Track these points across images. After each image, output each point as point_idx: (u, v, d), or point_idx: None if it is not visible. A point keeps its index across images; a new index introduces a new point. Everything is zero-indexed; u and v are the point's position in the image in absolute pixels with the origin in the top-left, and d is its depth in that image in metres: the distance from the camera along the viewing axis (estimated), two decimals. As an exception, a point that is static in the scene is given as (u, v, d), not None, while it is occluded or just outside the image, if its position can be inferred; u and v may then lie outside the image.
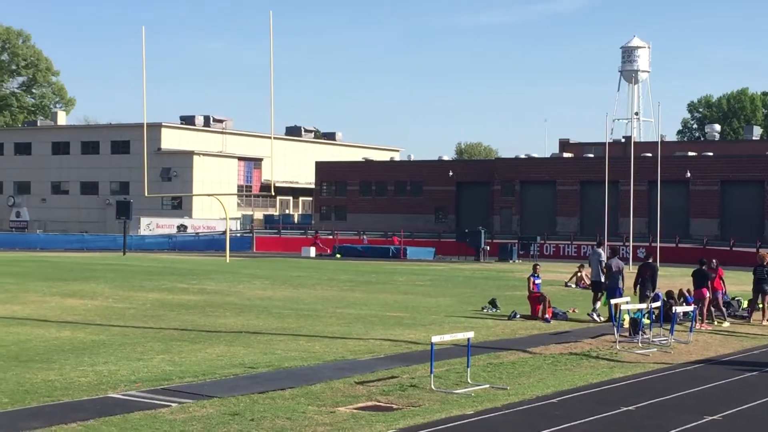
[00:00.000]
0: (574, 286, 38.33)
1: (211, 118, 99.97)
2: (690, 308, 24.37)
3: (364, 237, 71.78)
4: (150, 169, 65.93)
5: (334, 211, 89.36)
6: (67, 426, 12.30)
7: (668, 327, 22.48)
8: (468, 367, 16.42)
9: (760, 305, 27.35)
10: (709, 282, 26.24)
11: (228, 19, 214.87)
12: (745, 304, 28.74)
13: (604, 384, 16.43)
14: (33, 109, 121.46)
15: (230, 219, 67.23)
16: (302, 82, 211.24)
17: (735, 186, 73.46)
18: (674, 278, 38.03)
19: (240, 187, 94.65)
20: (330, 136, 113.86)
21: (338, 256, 65.20)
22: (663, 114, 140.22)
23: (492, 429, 12.90)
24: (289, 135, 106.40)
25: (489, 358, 18.85)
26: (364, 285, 38.14)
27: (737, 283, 35.32)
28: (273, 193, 55.21)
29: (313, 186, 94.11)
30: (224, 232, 62.96)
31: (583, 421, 13.28)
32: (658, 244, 53.72)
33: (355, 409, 13.86)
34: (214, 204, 79.89)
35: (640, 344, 21.27)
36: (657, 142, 61.84)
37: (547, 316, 25.89)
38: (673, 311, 22.80)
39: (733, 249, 60.70)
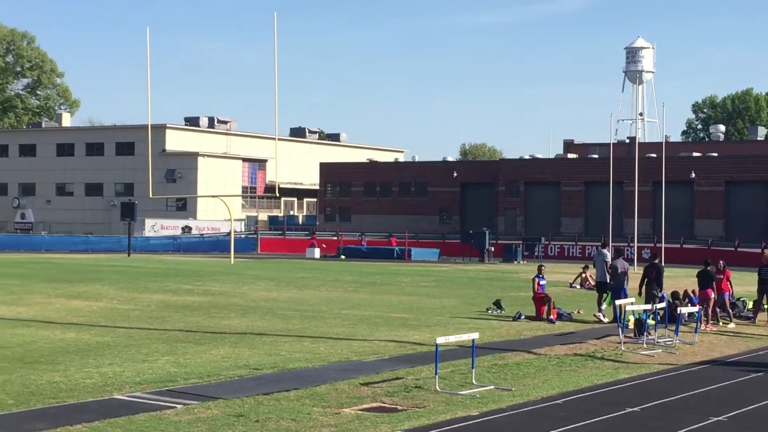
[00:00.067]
0: (578, 287, 38.30)
1: (216, 120, 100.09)
2: (695, 309, 24.35)
3: (363, 239, 71.74)
4: (154, 170, 65.86)
5: (339, 212, 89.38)
6: (72, 427, 12.31)
7: (673, 328, 22.46)
8: (473, 368, 16.42)
9: (765, 306, 27.32)
10: (715, 283, 26.21)
11: (228, 19, 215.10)
12: (750, 305, 28.69)
13: (609, 385, 16.42)
14: (38, 110, 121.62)
15: (235, 220, 67.33)
16: (305, 82, 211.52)
17: (740, 186, 73.34)
18: (679, 279, 37.96)
19: (244, 189, 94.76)
20: (334, 137, 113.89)
21: (343, 257, 65.23)
22: (667, 114, 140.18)
23: (497, 430, 12.90)
24: (293, 136, 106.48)
25: (494, 359, 18.84)
26: (369, 286, 38.14)
27: (742, 284, 35.25)
28: (277, 195, 55.10)
29: (317, 187, 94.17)
30: (229, 234, 63.02)
31: (588, 422, 13.27)
32: (663, 245, 53.67)
33: (360, 410, 13.86)
34: (219, 205, 79.95)
35: (645, 345, 21.25)
36: (661, 143, 61.92)
37: (551, 317, 25.86)
38: (678, 312, 22.78)
39: (738, 250, 60.58)
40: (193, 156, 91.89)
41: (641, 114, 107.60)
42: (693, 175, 72.89)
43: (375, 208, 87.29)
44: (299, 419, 13.06)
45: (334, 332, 22.59)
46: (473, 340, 16.71)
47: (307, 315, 26.40)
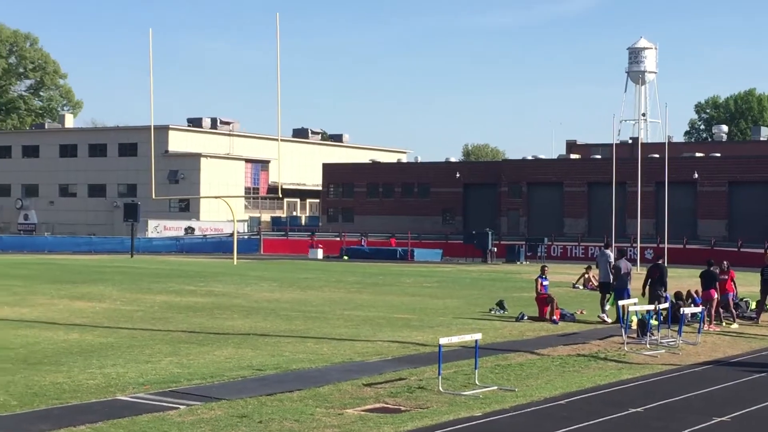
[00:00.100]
0: (581, 287, 38.29)
1: (218, 120, 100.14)
2: (698, 309, 24.32)
3: (364, 239, 71.70)
4: (157, 171, 65.98)
5: (342, 213, 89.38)
6: (75, 428, 12.32)
7: (676, 328, 22.45)
8: (476, 368, 16.42)
9: (768, 306, 27.28)
10: (719, 283, 26.18)
11: (229, 19, 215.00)
12: (753, 306, 28.67)
13: (612, 385, 16.41)
14: (41, 111, 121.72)
15: (237, 221, 67.38)
16: (307, 83, 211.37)
17: (743, 187, 73.28)
18: (682, 279, 37.96)
19: (247, 189, 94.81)
20: (337, 138, 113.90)
21: (345, 258, 65.26)
22: (670, 115, 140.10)
23: (500, 431, 12.90)
24: (296, 137, 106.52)
25: (497, 359, 18.83)
26: (372, 287, 38.14)
27: (745, 284, 35.23)
28: (280, 195, 55.29)
29: (320, 188, 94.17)
30: (232, 234, 63.04)
31: (591, 422, 13.27)
32: (666, 246, 53.64)
33: (363, 411, 13.86)
34: (222, 206, 79.97)
35: (648, 345, 21.24)
36: (664, 143, 61.82)
37: (554, 317, 25.85)
38: (681, 312, 22.76)
39: (741, 250, 60.56)
40: (195, 157, 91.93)
41: (644, 114, 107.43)
42: (696, 175, 72.81)
43: (378, 209, 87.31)
44: (302, 420, 13.07)
45: (337, 333, 22.59)
46: (476, 341, 16.72)
47: (310, 316, 26.41)
